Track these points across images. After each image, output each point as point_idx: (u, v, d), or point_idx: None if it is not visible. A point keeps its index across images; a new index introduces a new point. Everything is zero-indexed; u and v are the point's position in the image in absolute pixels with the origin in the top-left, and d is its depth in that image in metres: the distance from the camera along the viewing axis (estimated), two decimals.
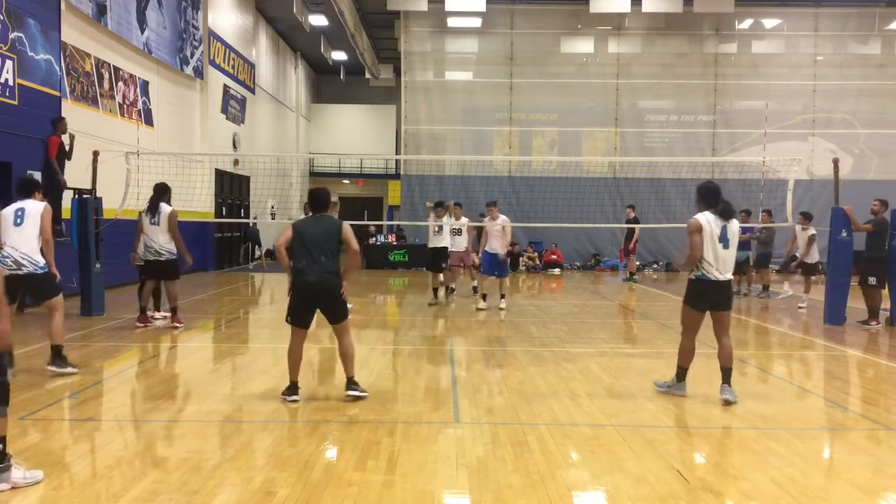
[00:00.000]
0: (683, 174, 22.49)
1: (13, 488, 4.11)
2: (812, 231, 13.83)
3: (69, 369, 7.08)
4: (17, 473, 4.17)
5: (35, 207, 7.06)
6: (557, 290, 17.30)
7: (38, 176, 11.54)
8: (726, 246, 6.18)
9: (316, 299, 6.13)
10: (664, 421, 5.73)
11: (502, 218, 12.27)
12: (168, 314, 10.12)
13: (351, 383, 6.25)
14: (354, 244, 6.15)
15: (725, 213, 6.25)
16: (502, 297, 12.58)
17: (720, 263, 6.16)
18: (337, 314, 6.26)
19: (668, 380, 6.63)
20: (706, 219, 6.21)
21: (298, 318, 6.17)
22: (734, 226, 6.26)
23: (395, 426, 5.46)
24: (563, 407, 6.14)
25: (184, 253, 9.91)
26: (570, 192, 20.21)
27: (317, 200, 6.25)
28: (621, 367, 7.96)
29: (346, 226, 6.19)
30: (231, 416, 5.84)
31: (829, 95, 23.69)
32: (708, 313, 6.33)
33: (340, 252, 6.14)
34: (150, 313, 10.26)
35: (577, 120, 24.10)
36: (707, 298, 6.24)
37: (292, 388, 6.15)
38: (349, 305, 11.95)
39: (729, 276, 6.26)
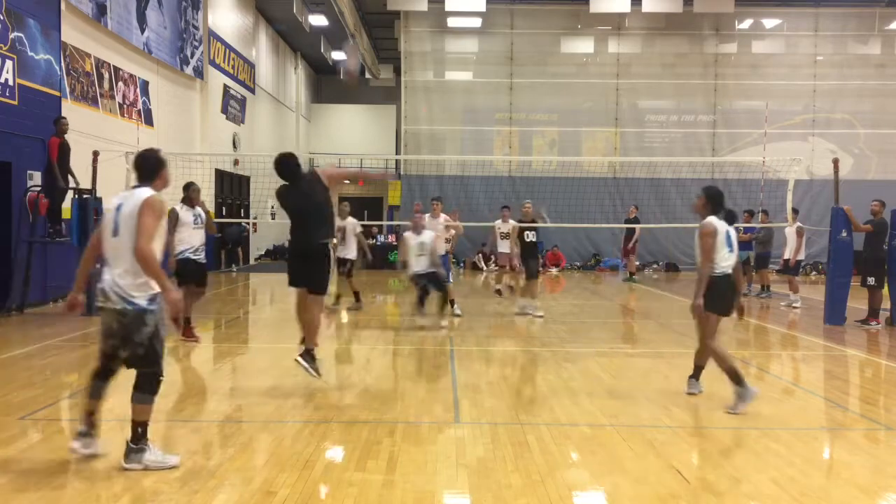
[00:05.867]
0: (683, 174, 22.52)
1: (145, 469, 4.35)
2: (798, 224, 13.85)
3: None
4: (151, 456, 4.40)
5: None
6: (557, 290, 17.29)
7: (38, 176, 11.56)
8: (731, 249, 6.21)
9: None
10: (664, 421, 5.72)
11: (444, 217, 11.78)
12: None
13: (306, 353, 6.38)
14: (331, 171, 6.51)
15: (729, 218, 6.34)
16: (452, 303, 11.34)
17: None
18: (312, 279, 6.41)
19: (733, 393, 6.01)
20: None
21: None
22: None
23: (395, 426, 5.46)
24: (563, 407, 6.14)
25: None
26: (570, 192, 20.21)
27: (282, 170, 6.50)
28: (621, 367, 7.96)
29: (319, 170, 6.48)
30: (231, 416, 5.84)
31: (829, 95, 23.68)
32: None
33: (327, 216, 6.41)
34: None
35: (577, 120, 24.08)
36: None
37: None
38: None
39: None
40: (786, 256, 14.37)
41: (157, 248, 4.32)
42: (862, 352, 9.18)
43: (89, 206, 11.02)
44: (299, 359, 6.19)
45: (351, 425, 5.47)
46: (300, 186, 6.36)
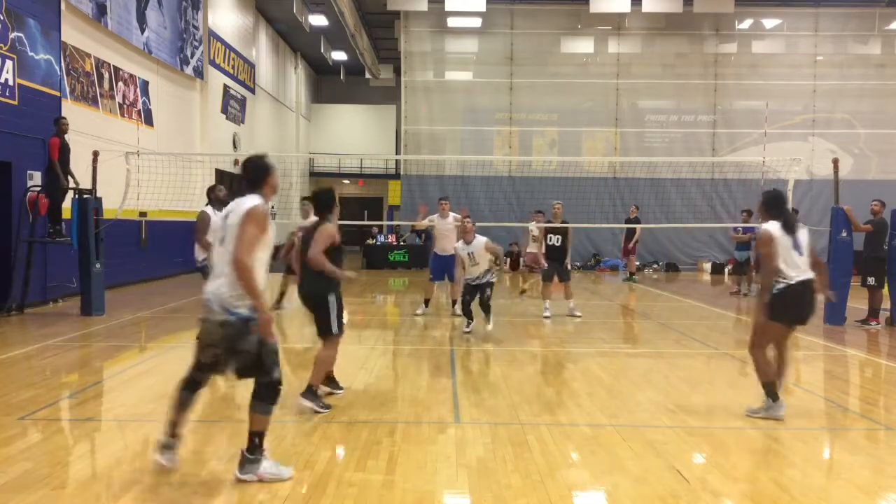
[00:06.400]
0: (683, 174, 22.53)
1: (259, 481, 4.23)
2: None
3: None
4: (267, 466, 4.29)
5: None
6: (558, 290, 17.26)
7: (38, 176, 11.57)
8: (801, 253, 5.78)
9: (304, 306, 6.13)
10: (664, 421, 5.72)
11: (453, 216, 11.68)
12: None
13: (307, 391, 5.86)
14: (312, 250, 5.82)
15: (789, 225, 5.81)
16: (454, 302, 11.45)
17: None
18: (317, 325, 6.02)
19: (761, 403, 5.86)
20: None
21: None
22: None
23: (395, 426, 5.46)
24: (563, 407, 6.14)
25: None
26: (570, 192, 20.19)
27: (316, 202, 6.13)
28: (621, 367, 7.96)
29: (326, 228, 5.89)
30: (231, 416, 5.83)
31: (829, 95, 23.68)
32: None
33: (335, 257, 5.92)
34: None
35: (577, 120, 24.08)
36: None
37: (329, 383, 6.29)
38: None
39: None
40: None
41: (259, 259, 4.17)
42: (862, 352, 9.18)
43: (89, 206, 11.01)
44: (301, 399, 5.82)
45: (351, 425, 5.47)
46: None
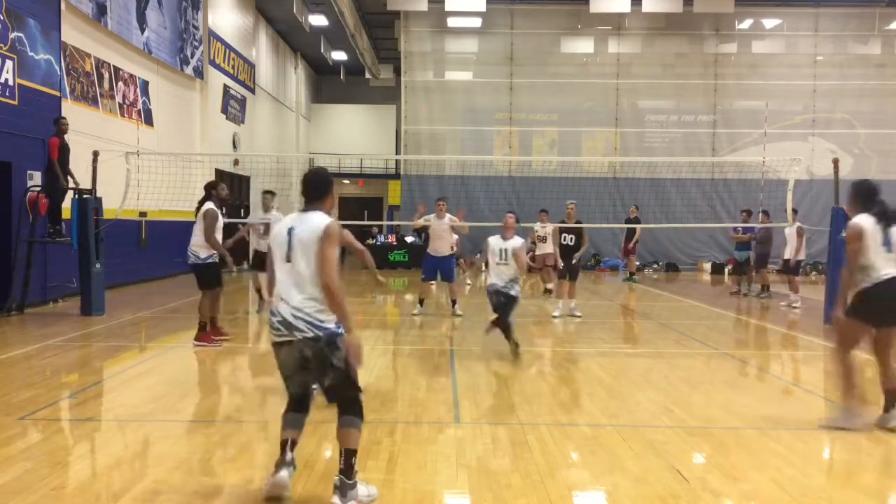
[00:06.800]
0: (683, 174, 22.53)
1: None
2: (797, 224, 13.85)
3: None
4: (364, 490, 4.05)
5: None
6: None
7: (38, 176, 11.57)
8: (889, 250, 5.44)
9: None
10: (664, 421, 5.72)
11: (449, 217, 11.70)
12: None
13: None
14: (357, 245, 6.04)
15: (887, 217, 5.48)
16: (454, 302, 11.64)
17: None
18: None
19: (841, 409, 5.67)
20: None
21: None
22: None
23: (395, 426, 5.46)
24: (563, 407, 6.14)
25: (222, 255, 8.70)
26: (570, 192, 20.16)
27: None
28: (621, 367, 7.96)
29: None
30: (231, 416, 5.84)
31: (829, 95, 23.68)
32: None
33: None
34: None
35: (577, 120, 24.09)
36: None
37: None
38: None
39: None
40: (786, 256, 14.36)
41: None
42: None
43: (89, 206, 11.02)
44: None
45: None
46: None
